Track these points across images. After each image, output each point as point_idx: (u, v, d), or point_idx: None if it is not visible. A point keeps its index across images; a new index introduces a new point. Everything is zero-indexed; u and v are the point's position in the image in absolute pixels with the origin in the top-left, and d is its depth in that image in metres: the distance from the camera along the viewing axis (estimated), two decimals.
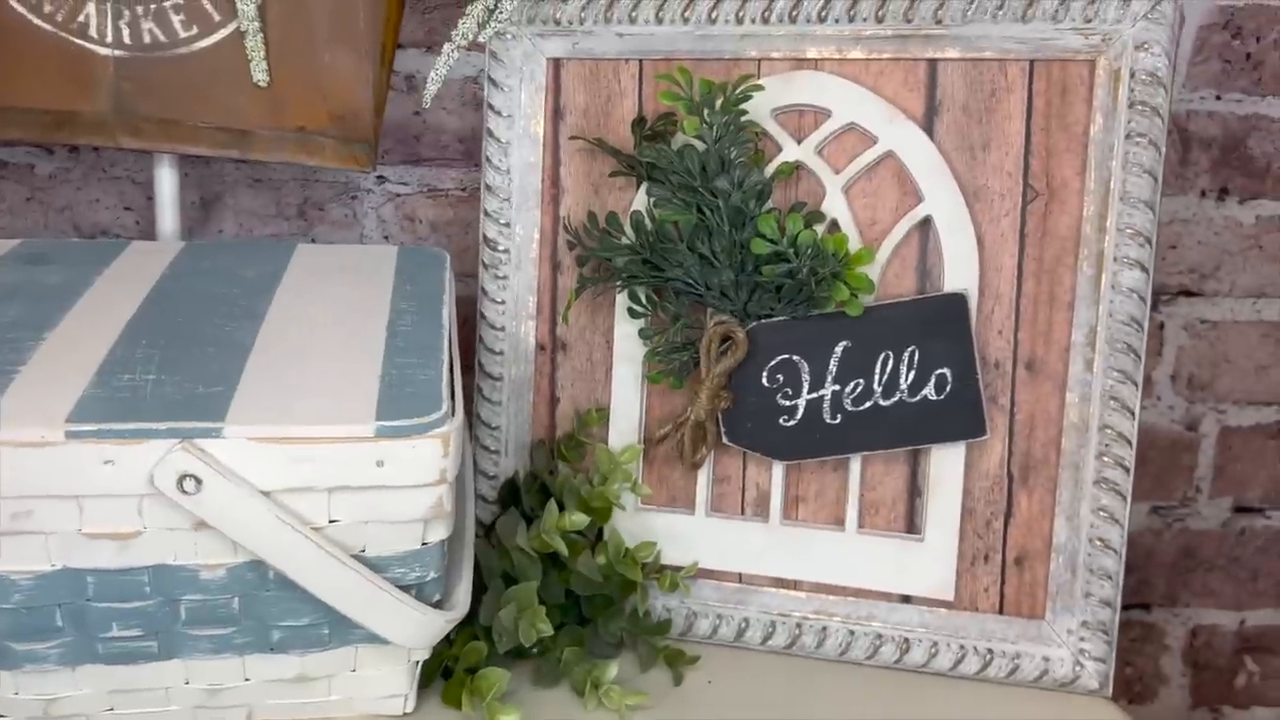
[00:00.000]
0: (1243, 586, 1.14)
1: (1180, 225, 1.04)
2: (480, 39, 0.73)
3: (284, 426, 0.54)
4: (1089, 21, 0.68)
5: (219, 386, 0.57)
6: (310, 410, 0.55)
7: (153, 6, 0.75)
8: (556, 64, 0.77)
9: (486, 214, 0.78)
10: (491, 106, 0.77)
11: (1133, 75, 0.67)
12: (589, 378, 0.78)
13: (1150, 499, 1.10)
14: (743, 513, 0.76)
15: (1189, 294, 1.06)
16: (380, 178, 0.98)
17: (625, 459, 0.74)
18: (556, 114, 0.77)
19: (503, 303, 0.78)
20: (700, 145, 0.70)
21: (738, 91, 0.68)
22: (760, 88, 0.70)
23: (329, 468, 0.55)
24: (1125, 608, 1.12)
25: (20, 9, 0.74)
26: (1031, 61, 0.70)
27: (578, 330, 0.78)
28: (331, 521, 0.56)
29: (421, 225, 0.99)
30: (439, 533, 0.59)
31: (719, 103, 0.68)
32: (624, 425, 0.77)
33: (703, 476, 0.76)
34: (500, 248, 0.78)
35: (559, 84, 0.77)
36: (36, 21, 0.74)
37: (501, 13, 0.71)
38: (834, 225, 0.72)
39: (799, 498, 0.75)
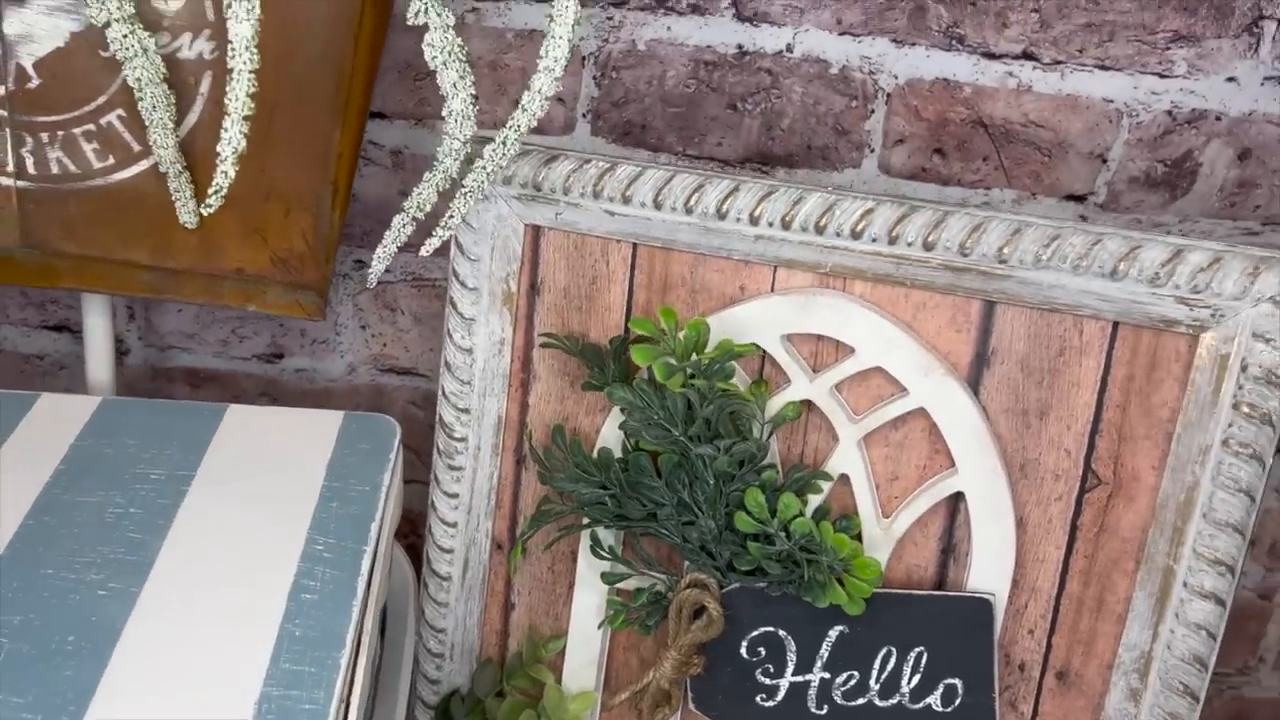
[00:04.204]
0: None
1: None
2: (448, 227, 0.59)
3: None
4: (1198, 292, 0.52)
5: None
6: None
7: (60, 134, 0.62)
8: (535, 231, 0.63)
9: (444, 395, 0.67)
10: (456, 275, 0.65)
11: (1244, 369, 0.52)
12: (549, 589, 0.68)
13: None
14: None
15: None
16: (359, 262, 0.86)
17: (576, 708, 0.64)
18: (533, 288, 0.64)
19: (456, 495, 0.68)
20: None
21: (725, 362, 0.55)
22: (755, 347, 0.56)
23: None
24: None
25: None
26: (1116, 323, 0.55)
27: (541, 532, 0.67)
28: None
29: (404, 317, 0.87)
30: None
31: (703, 364, 0.55)
32: (582, 657, 0.67)
33: None
34: (457, 435, 0.67)
35: (537, 254, 0.64)
36: None
37: (469, 189, 0.57)
38: (844, 480, 0.60)
39: None
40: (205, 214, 0.57)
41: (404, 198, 0.84)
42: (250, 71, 0.52)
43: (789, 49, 0.76)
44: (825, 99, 0.77)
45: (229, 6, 0.51)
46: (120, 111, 0.62)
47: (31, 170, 0.63)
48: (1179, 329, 0.54)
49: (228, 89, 0.53)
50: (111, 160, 0.63)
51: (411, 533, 0.92)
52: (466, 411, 0.66)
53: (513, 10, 0.77)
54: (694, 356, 0.55)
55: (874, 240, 0.56)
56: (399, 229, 0.60)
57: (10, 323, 0.88)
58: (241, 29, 0.50)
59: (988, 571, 0.58)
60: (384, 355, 0.89)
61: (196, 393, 0.90)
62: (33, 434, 0.64)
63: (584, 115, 0.79)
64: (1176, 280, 0.52)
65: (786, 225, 0.58)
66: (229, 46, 0.52)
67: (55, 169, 0.63)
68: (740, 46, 0.76)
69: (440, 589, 0.69)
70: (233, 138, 0.53)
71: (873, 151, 0.78)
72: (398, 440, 0.67)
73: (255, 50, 0.52)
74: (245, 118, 0.53)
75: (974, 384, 0.57)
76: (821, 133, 0.78)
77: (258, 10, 0.50)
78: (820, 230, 0.57)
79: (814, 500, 0.59)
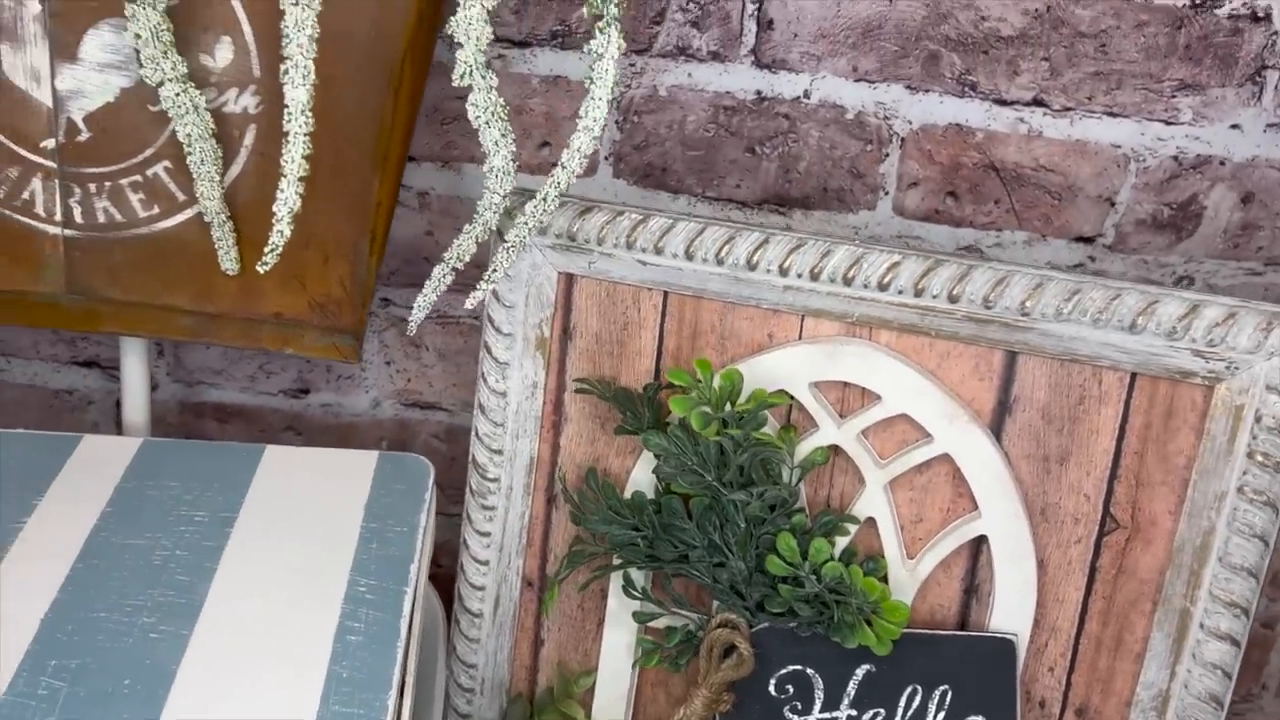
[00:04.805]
0: None
1: None
2: (491, 280, 0.61)
3: None
4: (1213, 345, 0.55)
5: None
6: None
7: (107, 184, 0.64)
8: (569, 279, 0.65)
9: (477, 437, 0.69)
10: (491, 321, 0.66)
11: (1258, 420, 0.54)
12: (578, 626, 0.69)
13: None
14: None
15: None
16: (385, 300, 0.88)
17: None
18: (565, 333, 0.66)
19: (488, 534, 0.69)
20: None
21: (759, 411, 0.57)
22: (787, 396, 0.58)
23: None
24: None
25: None
26: (1134, 374, 0.57)
27: (574, 573, 0.69)
28: None
29: (428, 353, 0.89)
30: None
31: (737, 414, 0.57)
32: (612, 693, 0.68)
33: None
34: (490, 475, 0.68)
35: (570, 301, 0.66)
36: None
37: (511, 243, 0.59)
38: (870, 523, 0.62)
39: None
40: (261, 271, 0.59)
41: (430, 237, 0.87)
42: (305, 134, 0.54)
43: (806, 95, 0.78)
44: (841, 143, 0.80)
45: (286, 73, 0.53)
46: (166, 163, 0.64)
47: (79, 219, 0.65)
48: (1195, 380, 0.56)
49: (283, 151, 0.54)
50: (157, 210, 0.65)
51: (434, 564, 0.94)
52: (499, 453, 0.68)
53: (538, 57, 0.79)
54: (728, 406, 0.57)
55: (900, 292, 0.59)
56: (439, 279, 0.62)
57: (41, 358, 0.90)
58: (297, 94, 0.52)
59: (1010, 612, 0.60)
60: (408, 390, 0.90)
61: (224, 428, 0.92)
62: (78, 476, 0.65)
63: (606, 158, 0.81)
64: (1193, 334, 0.55)
65: (815, 276, 0.60)
66: (285, 111, 0.53)
67: (102, 218, 0.65)
68: (759, 92, 0.78)
69: (472, 625, 0.70)
70: (289, 198, 0.55)
71: (887, 194, 0.80)
72: (431, 480, 0.69)
73: (310, 114, 0.54)
74: (300, 179, 0.55)
75: (996, 431, 0.59)
76: (837, 176, 0.81)
77: (312, 76, 0.52)
78: (848, 282, 0.59)
79: (840, 542, 0.61)
